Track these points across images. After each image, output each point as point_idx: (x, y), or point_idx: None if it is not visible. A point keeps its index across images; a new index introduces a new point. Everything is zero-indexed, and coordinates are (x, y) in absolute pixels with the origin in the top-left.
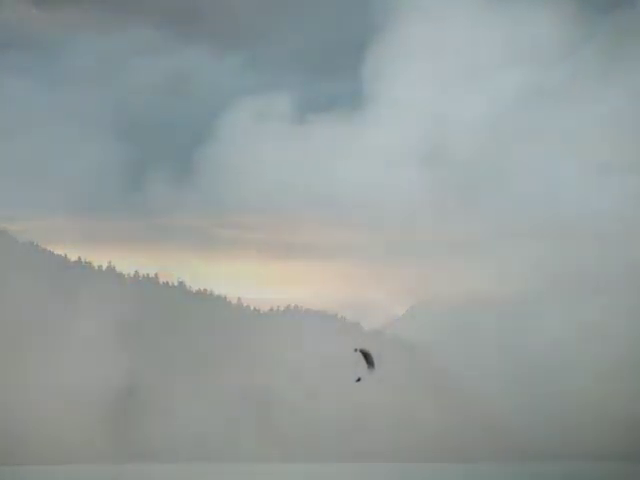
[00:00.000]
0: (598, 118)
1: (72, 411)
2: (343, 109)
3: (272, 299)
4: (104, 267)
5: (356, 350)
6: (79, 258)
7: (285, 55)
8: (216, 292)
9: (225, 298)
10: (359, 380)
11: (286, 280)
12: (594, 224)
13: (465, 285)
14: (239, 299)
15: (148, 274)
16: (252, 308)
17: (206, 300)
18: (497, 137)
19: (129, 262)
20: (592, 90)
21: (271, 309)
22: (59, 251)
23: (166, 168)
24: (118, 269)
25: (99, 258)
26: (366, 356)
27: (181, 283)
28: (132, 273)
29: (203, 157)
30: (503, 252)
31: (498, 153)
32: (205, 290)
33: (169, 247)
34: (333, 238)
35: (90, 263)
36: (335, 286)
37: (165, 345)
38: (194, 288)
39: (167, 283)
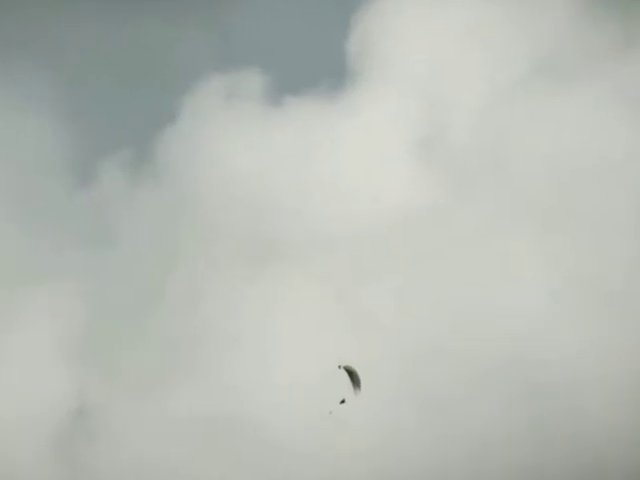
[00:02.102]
0: (611, 99)
1: (11, 434)
2: (325, 89)
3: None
4: None
5: (340, 367)
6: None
7: (257, 25)
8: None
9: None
10: (343, 402)
11: (262, 286)
12: (614, 217)
13: (462, 292)
14: None
15: None
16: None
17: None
18: (499, 122)
19: None
20: (604, 71)
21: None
22: None
23: (120, 157)
24: None
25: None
26: (351, 374)
27: None
28: None
29: (163, 144)
30: (505, 251)
31: (500, 139)
32: None
33: None
34: (314, 234)
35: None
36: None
37: (117, 361)
38: None
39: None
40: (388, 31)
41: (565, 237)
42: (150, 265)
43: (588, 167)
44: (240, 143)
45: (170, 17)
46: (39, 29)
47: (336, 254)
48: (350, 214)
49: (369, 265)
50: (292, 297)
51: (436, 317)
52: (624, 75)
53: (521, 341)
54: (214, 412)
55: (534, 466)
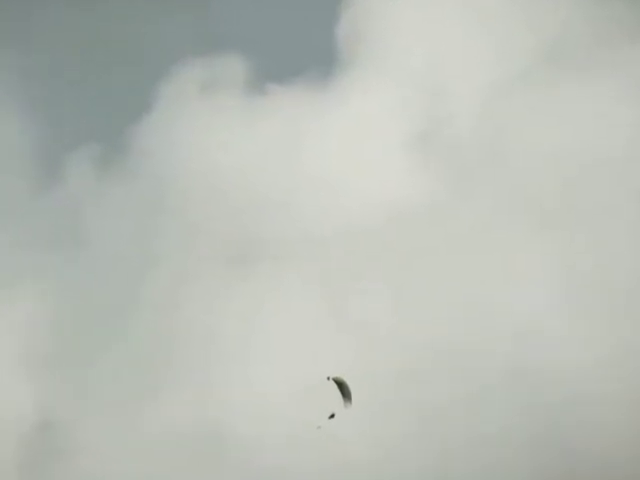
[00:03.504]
0: (619, 90)
1: None
2: (313, 77)
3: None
4: None
5: (329, 379)
6: None
7: (239, 7)
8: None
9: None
10: (332, 417)
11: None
12: (619, 214)
13: (462, 295)
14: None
15: None
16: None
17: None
18: (501, 113)
19: None
20: (613, 60)
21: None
22: None
23: (89, 151)
24: None
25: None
26: (341, 386)
27: None
28: None
29: (136, 136)
30: (506, 250)
31: (501, 132)
32: None
33: None
34: (303, 232)
35: None
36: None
37: (87, 371)
38: None
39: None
40: (381, 14)
41: (567, 235)
42: (124, 268)
43: (593, 162)
44: (221, 135)
45: None
46: (1, 11)
47: (326, 253)
48: (341, 210)
49: (362, 265)
50: (279, 300)
51: (434, 320)
52: (635, 64)
53: (525, 346)
54: (194, 426)
55: None
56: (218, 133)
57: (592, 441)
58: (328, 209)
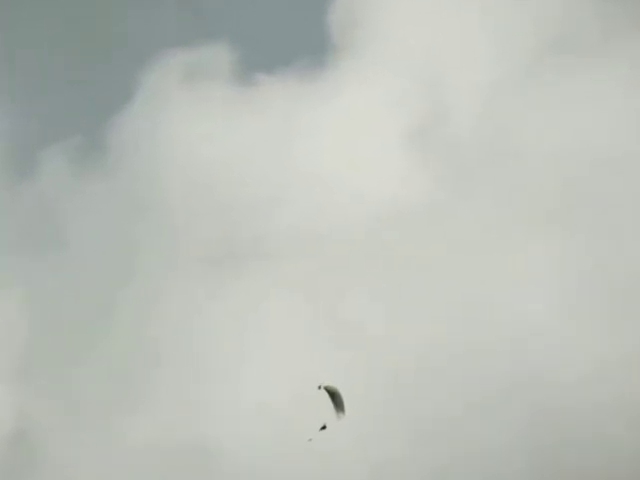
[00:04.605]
0: (631, 83)
1: None
2: (304, 67)
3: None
4: None
5: (320, 388)
6: None
7: None
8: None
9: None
10: (324, 428)
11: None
12: (629, 214)
13: (463, 299)
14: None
15: None
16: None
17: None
18: (505, 108)
19: None
20: (623, 52)
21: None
22: None
23: (65, 145)
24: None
25: None
26: (333, 396)
27: None
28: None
29: (115, 130)
30: (509, 253)
31: (505, 128)
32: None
33: None
34: (291, 233)
35: None
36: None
37: (63, 380)
38: None
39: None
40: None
41: (569, 235)
42: (102, 271)
43: (596, 161)
44: (206, 128)
45: None
46: None
47: (316, 256)
48: (333, 210)
49: (354, 269)
50: (264, 306)
51: (431, 329)
52: None
53: (528, 355)
54: (175, 441)
55: None
56: (203, 126)
57: (598, 456)
58: (321, 206)
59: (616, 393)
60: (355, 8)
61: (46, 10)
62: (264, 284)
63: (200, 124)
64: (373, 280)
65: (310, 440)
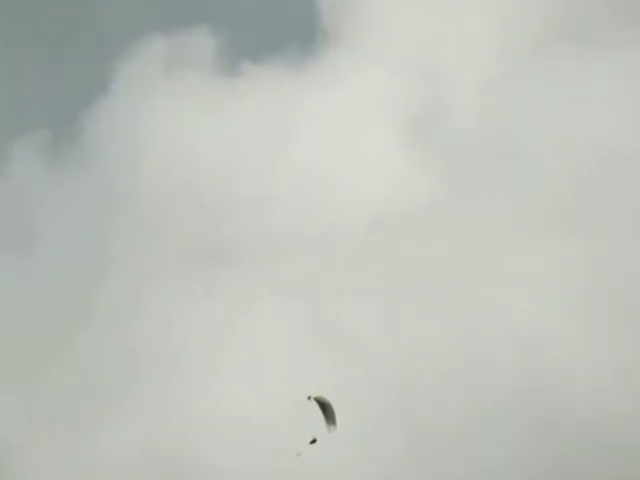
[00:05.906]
0: (630, 76)
1: None
2: (292, 55)
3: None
4: None
5: (310, 399)
6: None
7: None
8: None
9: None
10: (314, 442)
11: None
12: (632, 210)
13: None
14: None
15: None
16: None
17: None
18: (507, 100)
19: None
20: (622, 50)
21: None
22: None
23: (36, 138)
24: None
25: None
26: (324, 407)
27: None
28: None
29: (90, 122)
30: (513, 256)
31: (508, 122)
32: None
33: None
34: (280, 234)
35: None
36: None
37: (35, 389)
38: None
39: None
40: None
41: (570, 235)
42: (75, 272)
43: (605, 158)
44: (189, 120)
45: None
46: None
47: (307, 258)
48: (324, 210)
49: (348, 271)
50: (252, 311)
51: (430, 334)
52: None
53: (534, 359)
54: (155, 453)
55: None
56: (185, 118)
57: (603, 469)
58: (311, 206)
59: (622, 403)
60: None
61: None
62: (251, 286)
63: (181, 116)
64: (372, 280)
65: (299, 455)
